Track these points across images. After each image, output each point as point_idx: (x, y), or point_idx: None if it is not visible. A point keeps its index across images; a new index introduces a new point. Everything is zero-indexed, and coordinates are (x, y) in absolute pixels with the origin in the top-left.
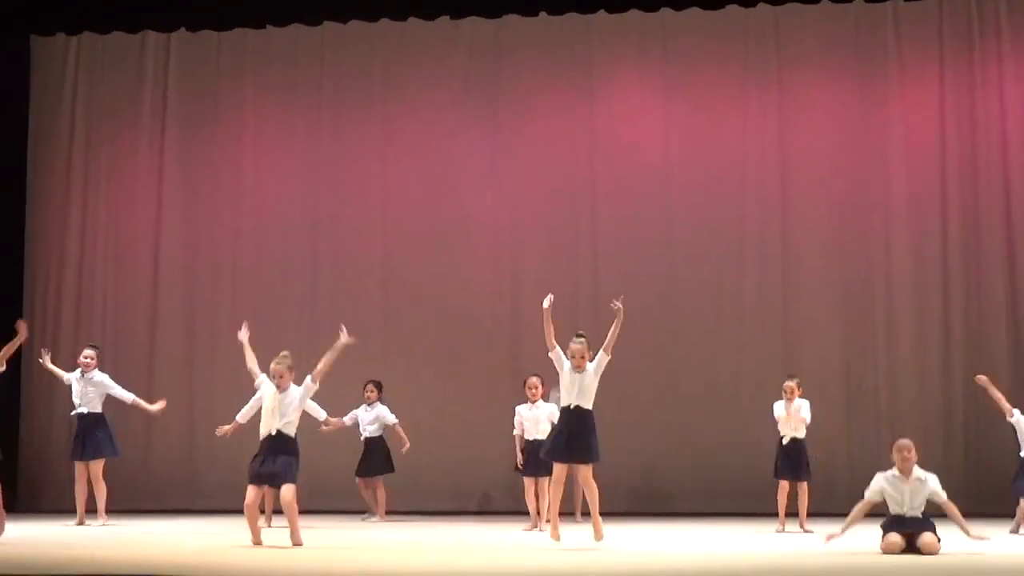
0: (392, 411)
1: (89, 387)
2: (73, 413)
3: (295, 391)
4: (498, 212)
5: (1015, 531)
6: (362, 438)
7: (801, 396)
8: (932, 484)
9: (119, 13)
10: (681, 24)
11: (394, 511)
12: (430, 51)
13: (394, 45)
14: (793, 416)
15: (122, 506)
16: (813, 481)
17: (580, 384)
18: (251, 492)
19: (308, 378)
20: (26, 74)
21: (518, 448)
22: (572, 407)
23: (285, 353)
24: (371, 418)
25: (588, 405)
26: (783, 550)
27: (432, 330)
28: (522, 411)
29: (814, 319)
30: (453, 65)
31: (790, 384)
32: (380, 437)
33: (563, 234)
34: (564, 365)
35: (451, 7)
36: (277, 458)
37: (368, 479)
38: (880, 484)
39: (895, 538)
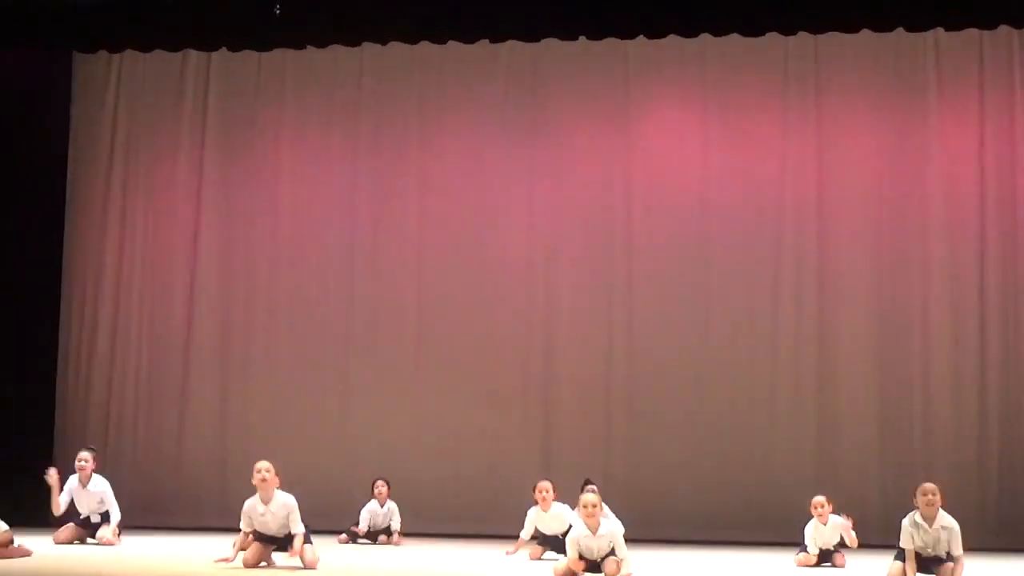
0: (422, 432)
1: (93, 499)
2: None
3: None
4: (534, 235)
5: None
6: (363, 531)
7: (833, 511)
8: (954, 537)
9: (161, 32)
10: (720, 50)
11: (416, 533)
12: (469, 74)
13: (433, 68)
14: (827, 539)
15: (155, 523)
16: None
17: (599, 547)
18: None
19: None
20: (68, 91)
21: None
22: (600, 560)
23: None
24: (384, 517)
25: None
26: None
27: (465, 355)
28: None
29: (851, 349)
30: (491, 88)
31: (819, 499)
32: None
33: (599, 260)
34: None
35: (490, 31)
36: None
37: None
38: (909, 532)
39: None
